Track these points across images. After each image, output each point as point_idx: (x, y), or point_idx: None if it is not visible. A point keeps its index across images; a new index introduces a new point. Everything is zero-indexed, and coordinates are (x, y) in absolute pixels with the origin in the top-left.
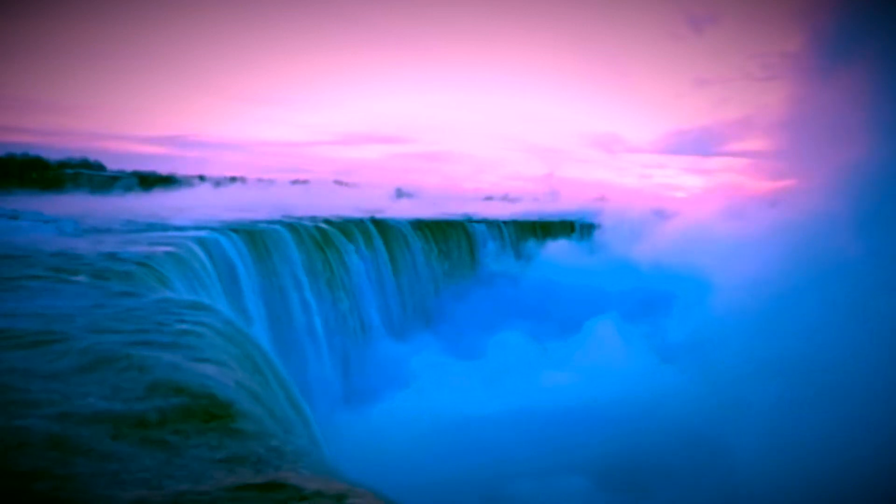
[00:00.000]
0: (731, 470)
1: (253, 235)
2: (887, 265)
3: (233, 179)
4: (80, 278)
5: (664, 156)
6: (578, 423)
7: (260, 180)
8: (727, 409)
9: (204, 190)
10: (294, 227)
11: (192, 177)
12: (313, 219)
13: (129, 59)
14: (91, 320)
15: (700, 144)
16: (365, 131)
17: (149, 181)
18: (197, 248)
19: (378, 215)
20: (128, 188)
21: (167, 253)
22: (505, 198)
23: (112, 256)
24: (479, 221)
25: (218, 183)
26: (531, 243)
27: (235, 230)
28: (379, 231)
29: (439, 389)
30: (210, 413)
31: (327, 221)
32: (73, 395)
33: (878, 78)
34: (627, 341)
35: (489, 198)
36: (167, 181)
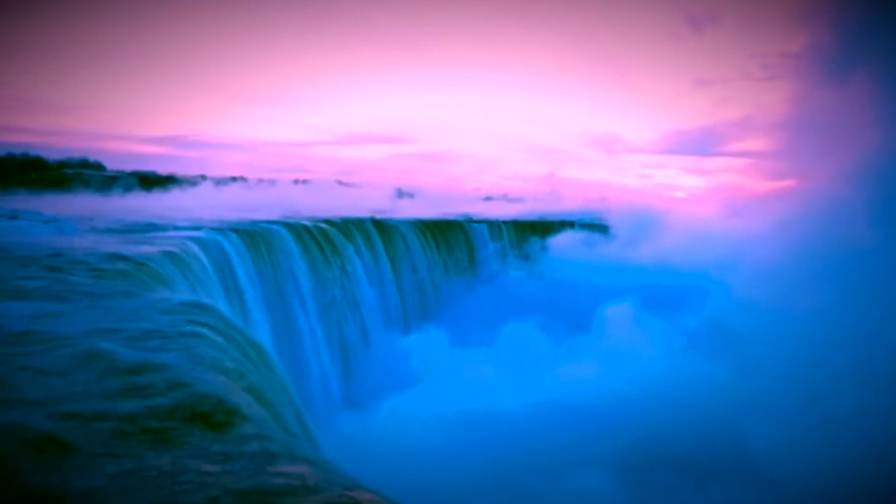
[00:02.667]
0: (749, 458)
1: (253, 236)
2: None
3: (233, 179)
4: (80, 278)
5: (664, 156)
6: (592, 417)
7: (261, 180)
8: (746, 398)
9: (204, 190)
10: (294, 227)
11: (193, 177)
12: (314, 219)
13: (129, 59)
14: (90, 320)
15: (700, 144)
16: (365, 131)
17: (149, 181)
18: (196, 249)
19: (379, 216)
20: (128, 188)
21: (167, 253)
22: (505, 198)
23: (112, 256)
24: (479, 221)
25: (218, 183)
26: (531, 243)
27: (235, 230)
28: (379, 231)
29: (440, 387)
30: (209, 413)
31: (328, 221)
32: (72, 396)
33: (878, 77)
34: (640, 335)
35: (489, 198)
36: (167, 181)
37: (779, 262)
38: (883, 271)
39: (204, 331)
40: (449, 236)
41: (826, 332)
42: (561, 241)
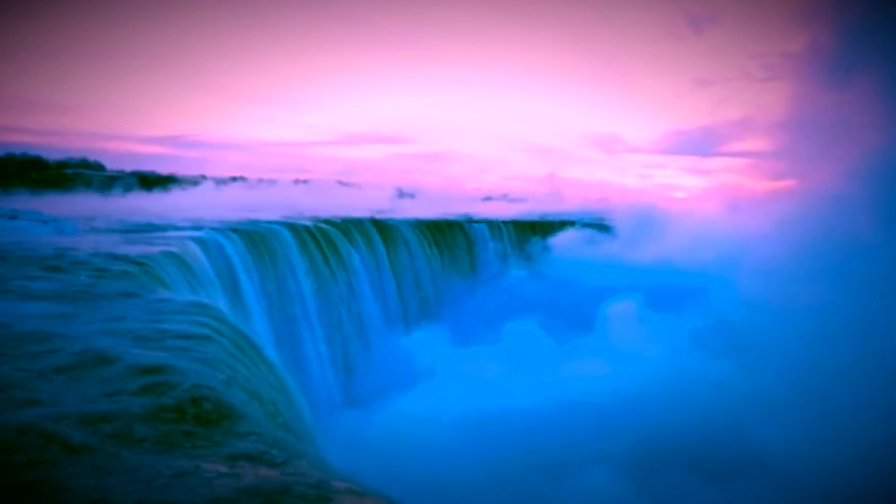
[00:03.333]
0: (754, 455)
1: (252, 236)
2: None
3: (234, 179)
4: (82, 279)
5: (664, 156)
6: (596, 416)
7: (261, 180)
8: (751, 396)
9: (204, 190)
10: (294, 227)
11: (193, 177)
12: (314, 219)
13: (129, 59)
14: (90, 320)
15: (700, 144)
16: (365, 131)
17: (149, 181)
18: (196, 249)
19: (379, 216)
20: (128, 188)
21: (166, 253)
22: (505, 198)
23: (111, 256)
24: (479, 222)
25: (219, 183)
26: (532, 243)
27: (235, 230)
28: (379, 231)
29: (442, 387)
30: (209, 413)
31: (328, 222)
32: (72, 396)
33: (878, 77)
34: (643, 333)
35: (489, 198)
36: (167, 181)
37: (782, 260)
38: (885, 268)
39: (205, 331)
40: (449, 236)
41: (829, 330)
42: (562, 241)
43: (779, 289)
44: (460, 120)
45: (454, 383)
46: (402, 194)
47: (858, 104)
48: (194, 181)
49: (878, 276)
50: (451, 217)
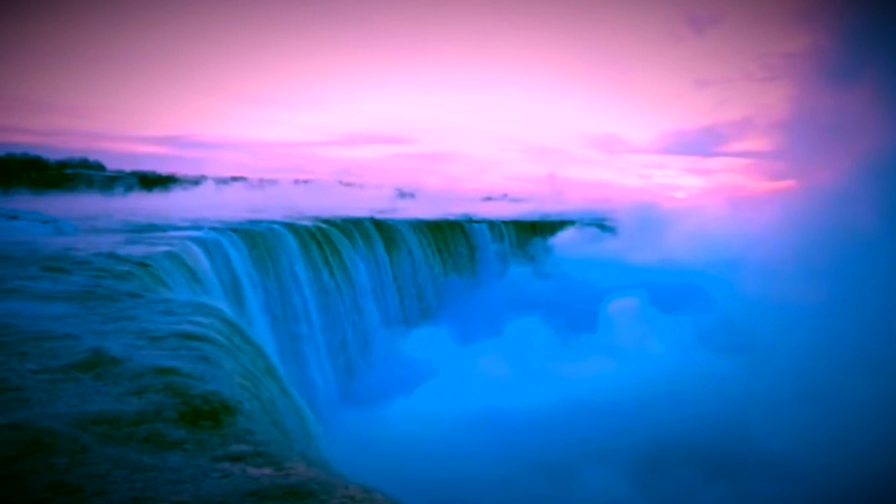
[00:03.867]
0: (758, 451)
1: (253, 236)
2: None
3: (234, 179)
4: (83, 279)
5: (664, 156)
6: (601, 414)
7: (261, 180)
8: (755, 393)
9: (205, 190)
10: (294, 227)
11: (193, 177)
12: (315, 219)
13: (129, 59)
14: (90, 321)
15: (700, 144)
16: (366, 131)
17: (149, 181)
18: (197, 249)
19: (380, 216)
20: (128, 188)
21: (167, 253)
22: (505, 198)
23: (112, 256)
24: (479, 222)
25: (219, 183)
26: (533, 243)
27: (235, 230)
28: (380, 232)
29: (442, 386)
30: (210, 414)
31: (328, 222)
32: (73, 396)
33: (878, 78)
34: (647, 331)
35: (489, 198)
36: (167, 181)
37: (782, 258)
38: (885, 267)
39: (204, 331)
40: (450, 237)
41: (830, 327)
42: (563, 240)
43: (780, 287)
44: (460, 120)
45: (457, 383)
46: (402, 194)
47: (858, 104)
48: (194, 181)
49: (879, 274)
50: (452, 217)
